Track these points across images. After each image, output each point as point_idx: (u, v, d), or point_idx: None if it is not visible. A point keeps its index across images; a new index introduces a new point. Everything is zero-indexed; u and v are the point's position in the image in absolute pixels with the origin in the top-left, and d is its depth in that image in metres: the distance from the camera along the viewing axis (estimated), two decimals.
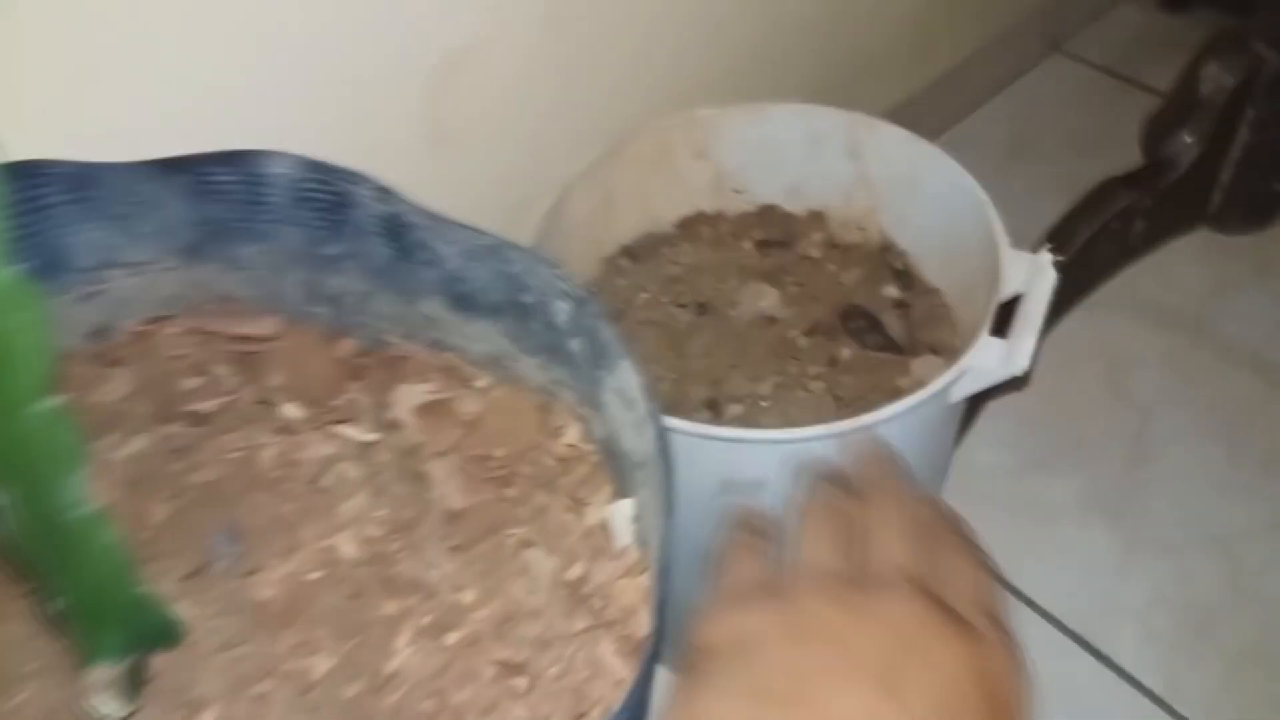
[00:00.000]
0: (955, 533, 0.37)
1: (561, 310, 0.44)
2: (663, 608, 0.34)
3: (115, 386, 0.53)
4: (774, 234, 0.69)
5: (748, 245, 0.69)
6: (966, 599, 0.32)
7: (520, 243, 0.58)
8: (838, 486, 0.38)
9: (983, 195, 0.57)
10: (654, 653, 0.35)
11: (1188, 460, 0.82)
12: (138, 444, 0.51)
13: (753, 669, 0.30)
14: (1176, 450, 0.83)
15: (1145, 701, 0.70)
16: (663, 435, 0.37)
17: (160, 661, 0.43)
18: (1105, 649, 0.73)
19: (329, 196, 0.47)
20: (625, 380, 0.41)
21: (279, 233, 0.50)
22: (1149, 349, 0.89)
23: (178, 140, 0.47)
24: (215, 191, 0.49)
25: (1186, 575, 0.76)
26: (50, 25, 0.47)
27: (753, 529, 0.38)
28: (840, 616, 0.31)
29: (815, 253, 0.68)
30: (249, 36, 0.53)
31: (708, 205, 0.71)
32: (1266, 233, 0.96)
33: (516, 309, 0.46)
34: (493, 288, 0.46)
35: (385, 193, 0.45)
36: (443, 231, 0.45)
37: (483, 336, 0.49)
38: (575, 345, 0.45)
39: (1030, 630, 0.74)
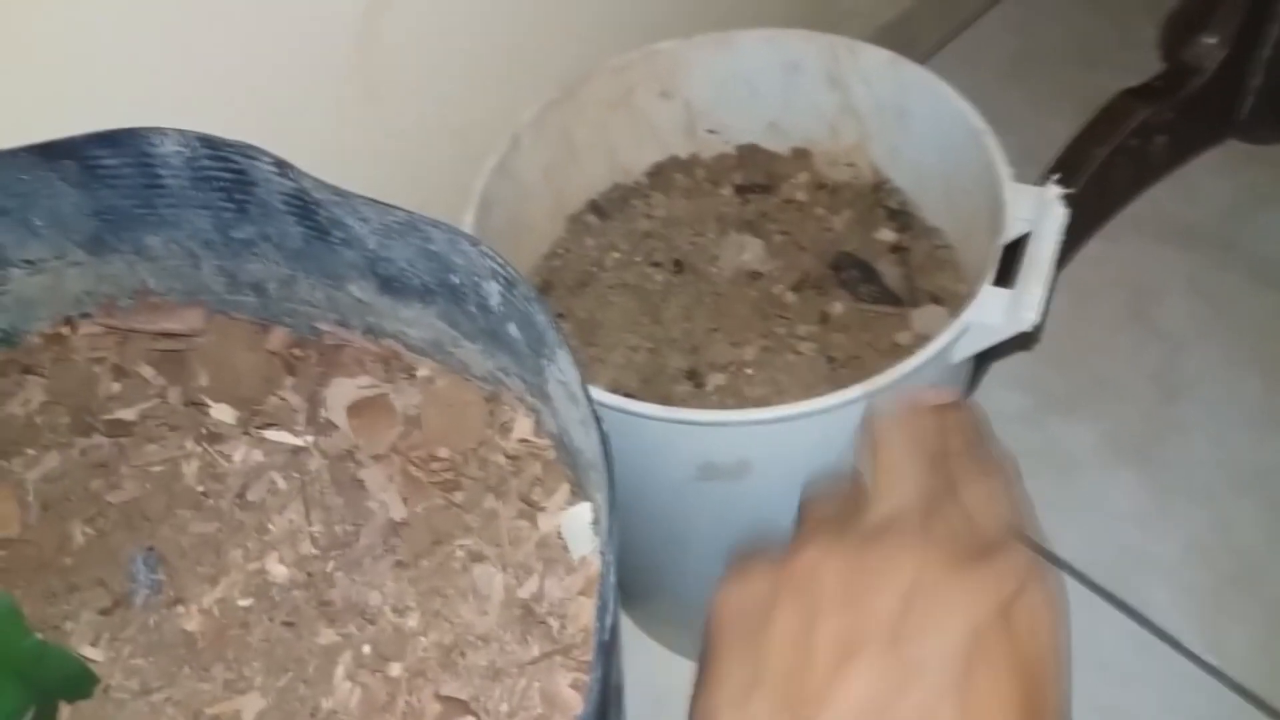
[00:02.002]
0: (975, 448, 0.33)
1: (492, 292, 0.38)
2: (608, 648, 0.29)
3: (28, 397, 0.49)
4: (755, 177, 0.63)
5: (726, 191, 0.63)
6: (993, 522, 0.30)
7: (473, 202, 0.53)
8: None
9: (980, 123, 0.50)
10: (603, 694, 0.30)
11: (1220, 394, 0.76)
12: (53, 460, 0.47)
13: (760, 652, 0.28)
14: (1208, 383, 0.77)
15: (1182, 660, 0.65)
16: (606, 441, 0.32)
17: (69, 713, 0.38)
18: (1138, 604, 0.67)
19: (228, 175, 0.42)
20: (566, 372, 0.36)
21: (183, 217, 0.45)
22: (1174, 274, 0.83)
23: (74, 117, 0.42)
24: (106, 176, 0.44)
25: (1223, 520, 0.70)
26: None
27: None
28: (845, 575, 0.28)
29: (801, 195, 0.62)
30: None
31: (680, 149, 0.64)
32: None
33: (447, 291, 0.41)
34: (418, 268, 0.40)
35: (285, 167, 0.40)
36: (352, 207, 0.39)
37: (418, 321, 0.44)
38: (513, 330, 0.39)
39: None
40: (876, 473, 0.32)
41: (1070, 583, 0.69)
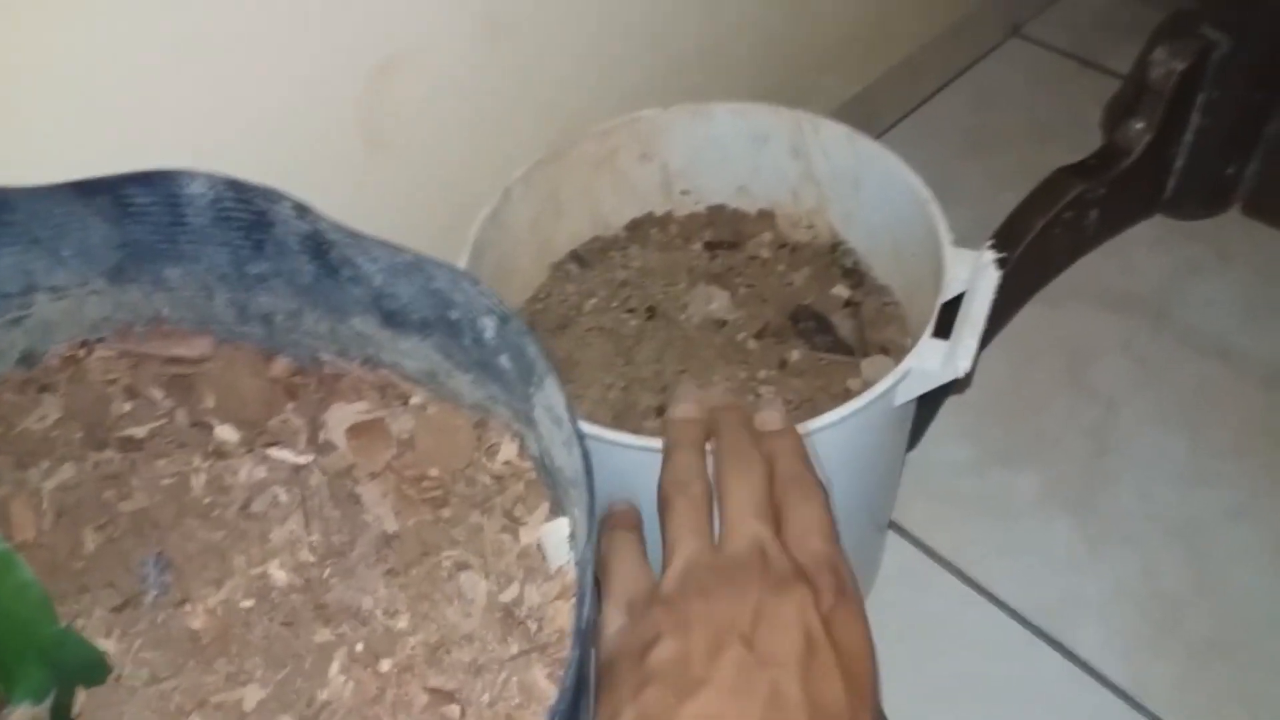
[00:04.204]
0: (803, 476, 0.42)
1: (488, 326, 0.43)
2: (584, 635, 0.33)
3: (45, 413, 0.52)
4: (723, 234, 0.68)
5: (697, 247, 0.68)
6: (810, 554, 0.39)
7: (466, 248, 0.58)
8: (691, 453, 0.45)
9: (925, 193, 0.56)
10: (578, 677, 0.34)
11: (1150, 450, 0.82)
12: (68, 472, 0.50)
13: (647, 664, 0.36)
14: (1139, 441, 0.82)
15: (1109, 695, 0.70)
16: (586, 457, 0.36)
17: (86, 698, 0.42)
18: (1068, 643, 0.72)
19: (249, 215, 0.46)
20: (552, 397, 0.40)
21: (203, 253, 0.49)
22: (1110, 338, 0.89)
23: (104, 157, 0.46)
24: (135, 213, 0.48)
25: (1150, 567, 0.75)
26: None
27: (627, 525, 0.45)
28: (708, 602, 0.37)
29: (765, 253, 0.67)
30: (171, 48, 0.52)
31: (656, 207, 0.70)
32: (1226, 215, 0.95)
33: (445, 325, 0.45)
34: (419, 304, 0.45)
35: (304, 210, 0.44)
36: (364, 248, 0.44)
37: (415, 353, 0.48)
38: (504, 361, 0.44)
39: (992, 625, 0.73)
40: (721, 515, 0.41)
41: (1007, 620, 0.74)
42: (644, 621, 0.38)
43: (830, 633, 0.36)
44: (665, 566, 0.40)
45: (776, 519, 0.41)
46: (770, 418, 0.46)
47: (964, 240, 0.55)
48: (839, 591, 0.38)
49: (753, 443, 0.44)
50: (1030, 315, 0.89)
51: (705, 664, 0.35)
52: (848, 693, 0.35)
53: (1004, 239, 0.75)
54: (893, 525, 0.78)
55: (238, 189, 0.46)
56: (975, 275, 0.52)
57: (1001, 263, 0.52)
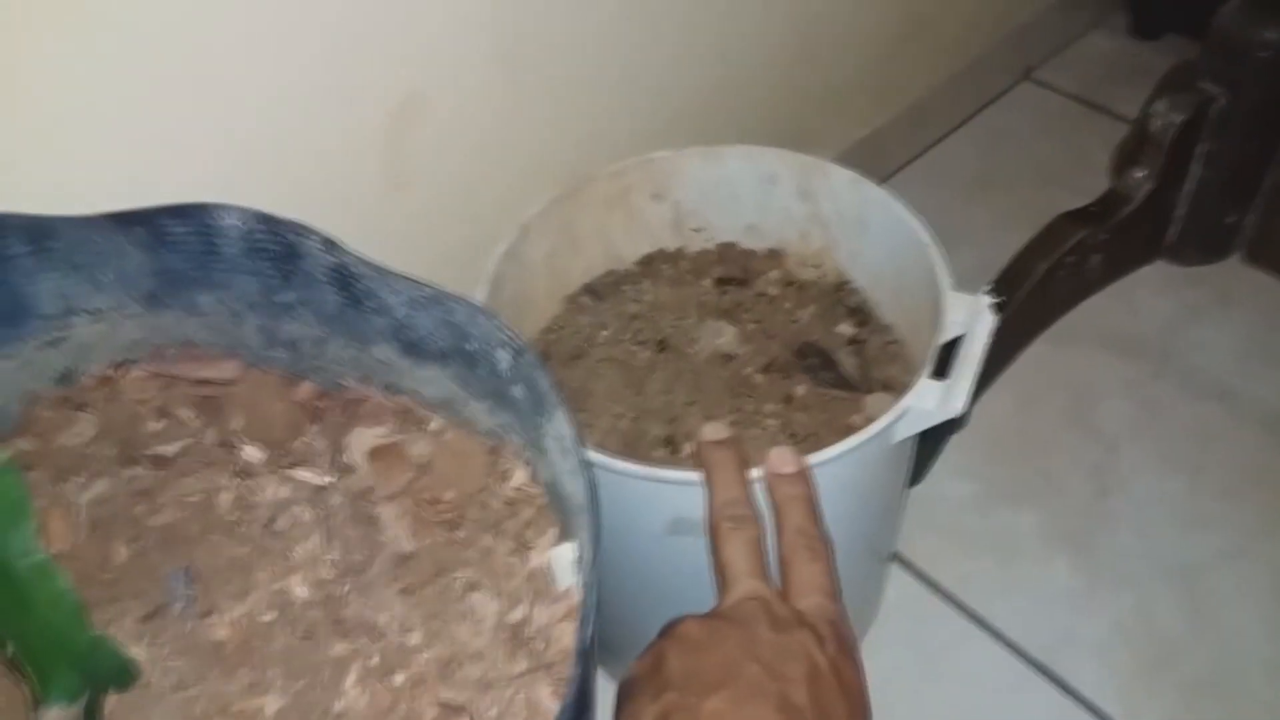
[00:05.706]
0: (810, 532, 0.45)
1: (503, 358, 0.45)
2: (587, 654, 0.35)
3: (81, 430, 0.54)
4: (733, 271, 0.71)
5: (707, 283, 0.70)
6: (812, 607, 0.42)
7: (485, 281, 0.60)
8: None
9: (926, 237, 0.58)
10: (579, 694, 0.36)
11: (1150, 492, 0.83)
12: (101, 486, 0.52)
13: (662, 677, 0.39)
14: (1139, 482, 0.84)
15: None
16: (593, 486, 0.38)
17: (115, 702, 0.44)
18: (1067, 678, 0.73)
19: (278, 247, 0.49)
20: (562, 428, 0.42)
21: (234, 281, 0.52)
22: (1113, 380, 0.90)
23: (145, 194, 0.49)
24: (171, 243, 0.51)
25: (1147, 607, 0.76)
26: (5, 85, 0.48)
27: None
28: (718, 636, 0.40)
29: (773, 290, 0.69)
30: (206, 95, 0.55)
31: (668, 243, 0.72)
32: (1227, 262, 0.97)
33: (462, 356, 0.48)
34: (438, 335, 0.47)
35: (331, 244, 0.47)
36: (387, 281, 0.46)
37: (433, 381, 0.51)
38: (518, 392, 0.46)
39: (993, 660, 0.75)
40: (722, 573, 0.44)
41: (1007, 655, 0.75)
42: (655, 650, 0.41)
43: (832, 664, 0.39)
44: (721, 597, 0.43)
45: (784, 570, 0.44)
46: (784, 458, 0.47)
47: (969, 281, 0.57)
48: (839, 643, 0.41)
49: (748, 502, 0.46)
50: (1035, 355, 0.91)
51: (722, 674, 0.38)
52: (848, 711, 0.39)
53: (1006, 283, 0.77)
54: (897, 558, 0.80)
55: (269, 223, 0.48)
56: (973, 318, 0.54)
57: (999, 307, 0.54)
